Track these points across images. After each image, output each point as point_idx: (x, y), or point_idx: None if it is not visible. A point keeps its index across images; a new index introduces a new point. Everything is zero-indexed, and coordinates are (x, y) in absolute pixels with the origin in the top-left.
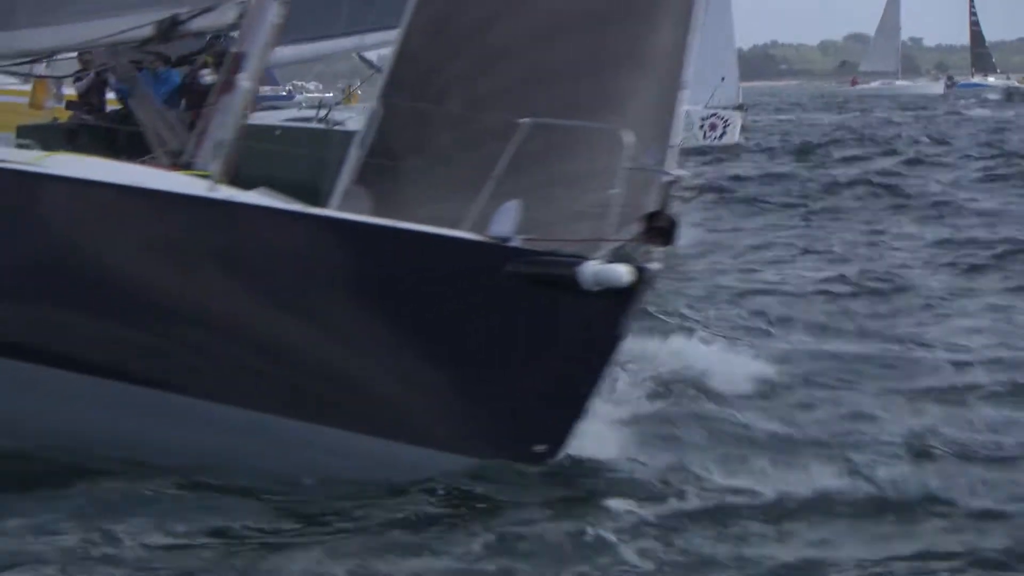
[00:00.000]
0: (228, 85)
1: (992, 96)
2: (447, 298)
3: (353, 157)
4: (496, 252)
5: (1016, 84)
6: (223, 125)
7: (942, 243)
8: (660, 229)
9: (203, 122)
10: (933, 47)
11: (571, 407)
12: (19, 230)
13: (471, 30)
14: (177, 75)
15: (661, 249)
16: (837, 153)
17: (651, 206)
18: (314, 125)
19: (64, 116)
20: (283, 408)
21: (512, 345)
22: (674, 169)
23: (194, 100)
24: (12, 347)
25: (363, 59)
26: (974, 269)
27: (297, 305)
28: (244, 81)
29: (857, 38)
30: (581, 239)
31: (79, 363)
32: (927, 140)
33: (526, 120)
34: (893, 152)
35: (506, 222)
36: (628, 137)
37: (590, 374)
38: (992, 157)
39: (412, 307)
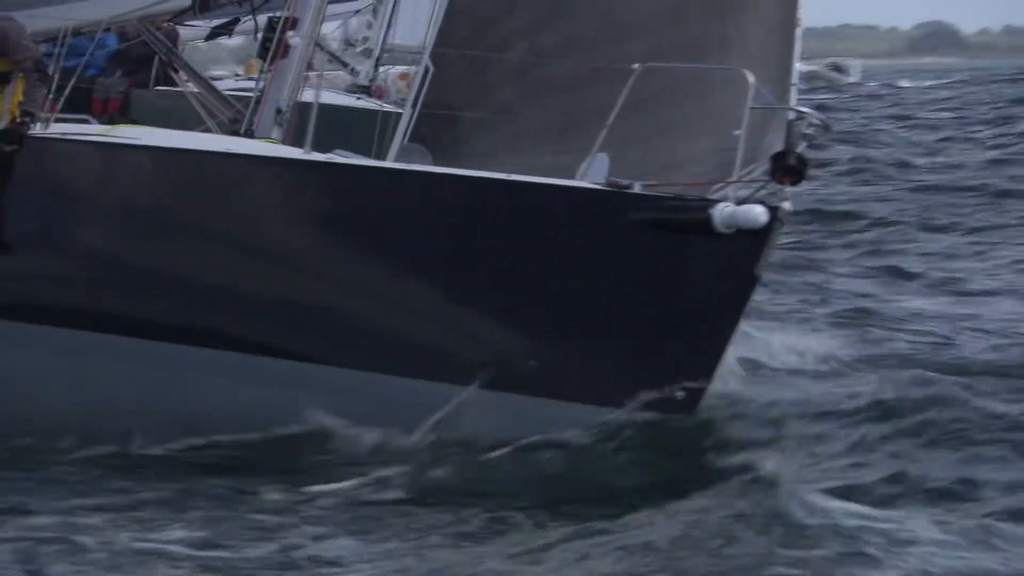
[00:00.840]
0: (283, 50)
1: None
2: (576, 249)
3: (406, 115)
4: (622, 199)
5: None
6: (281, 91)
7: None
8: (790, 168)
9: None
10: None
11: (709, 352)
12: (114, 201)
13: None
14: (113, 40)
15: (792, 188)
16: None
17: (777, 145)
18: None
19: None
20: (402, 367)
21: (645, 292)
22: (800, 107)
23: (130, 66)
24: (113, 320)
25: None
26: None
27: (418, 264)
28: (298, 45)
29: None
30: (709, 181)
31: (190, 334)
32: None
33: (638, 65)
34: None
35: (597, 174)
36: (750, 77)
37: (727, 317)
38: None
39: (540, 259)
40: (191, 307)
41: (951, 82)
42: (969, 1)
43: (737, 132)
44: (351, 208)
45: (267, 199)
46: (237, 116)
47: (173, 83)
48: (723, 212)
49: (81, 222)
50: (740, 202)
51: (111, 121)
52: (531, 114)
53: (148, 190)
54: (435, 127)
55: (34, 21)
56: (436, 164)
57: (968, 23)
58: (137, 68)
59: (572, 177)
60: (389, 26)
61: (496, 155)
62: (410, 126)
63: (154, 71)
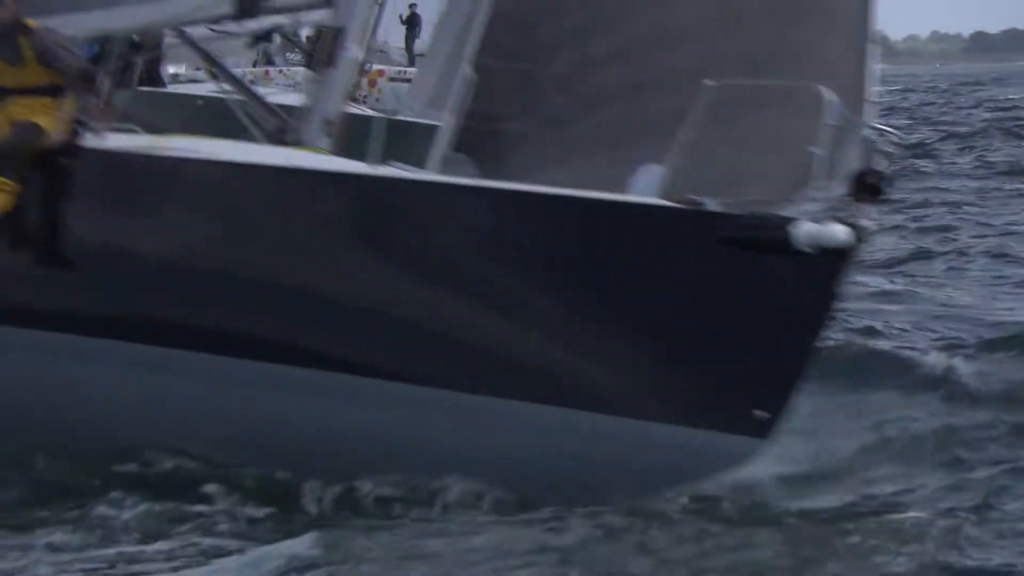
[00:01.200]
0: (331, 60)
1: None
2: (652, 267)
3: (447, 124)
4: (700, 218)
5: None
6: (330, 101)
7: None
8: (869, 186)
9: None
10: None
11: (788, 372)
12: (176, 217)
13: None
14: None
15: (872, 207)
16: None
17: (853, 163)
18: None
19: None
20: (473, 385)
21: (723, 311)
22: (878, 124)
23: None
24: (176, 335)
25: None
26: None
27: (492, 282)
28: (348, 55)
29: None
30: (785, 198)
31: (258, 351)
32: None
33: (710, 82)
34: None
35: (648, 186)
36: (827, 93)
37: (805, 337)
38: None
39: (615, 278)
40: (258, 321)
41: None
42: (897, 7)
43: (813, 149)
44: (418, 226)
45: (330, 215)
46: (283, 126)
47: (155, 85)
48: (803, 230)
49: (143, 237)
50: (820, 220)
51: None
52: (580, 125)
53: (220, 204)
54: (478, 137)
55: (71, 27)
56: (480, 176)
57: (896, 29)
58: (119, 70)
59: (622, 190)
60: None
61: (543, 167)
62: (452, 135)
63: (136, 74)
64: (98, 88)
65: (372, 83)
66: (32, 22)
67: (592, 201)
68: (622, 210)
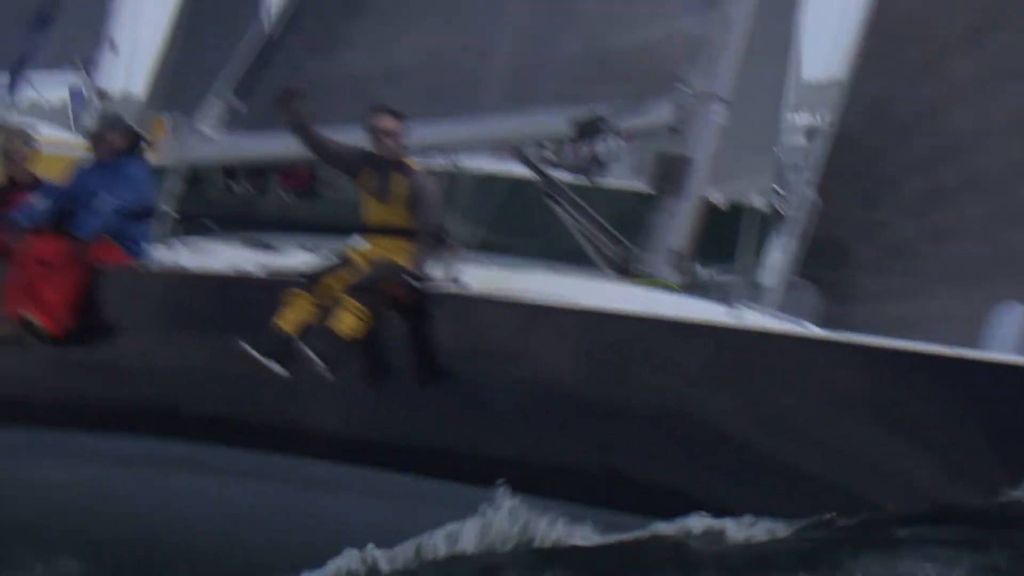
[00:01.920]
0: (676, 189)
1: None
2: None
3: (791, 248)
4: None
5: None
6: (674, 231)
7: None
8: None
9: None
10: None
11: None
12: (525, 361)
13: (923, 114)
14: None
15: None
16: None
17: None
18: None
19: None
20: None
21: None
22: None
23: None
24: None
25: None
26: None
27: (860, 439)
28: (693, 186)
29: None
30: None
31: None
32: None
33: None
34: None
35: (1010, 327)
36: None
37: None
38: None
39: (993, 440)
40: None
41: None
42: None
43: None
44: (798, 381)
45: (722, 367)
46: (627, 255)
47: None
48: None
49: (490, 378)
50: None
51: None
52: (931, 256)
53: (579, 351)
54: (823, 264)
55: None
56: (821, 303)
57: None
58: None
59: (978, 327)
60: None
61: (890, 297)
62: (796, 259)
63: None
64: (448, 245)
65: None
66: (414, 163)
67: (967, 361)
68: (1001, 371)
